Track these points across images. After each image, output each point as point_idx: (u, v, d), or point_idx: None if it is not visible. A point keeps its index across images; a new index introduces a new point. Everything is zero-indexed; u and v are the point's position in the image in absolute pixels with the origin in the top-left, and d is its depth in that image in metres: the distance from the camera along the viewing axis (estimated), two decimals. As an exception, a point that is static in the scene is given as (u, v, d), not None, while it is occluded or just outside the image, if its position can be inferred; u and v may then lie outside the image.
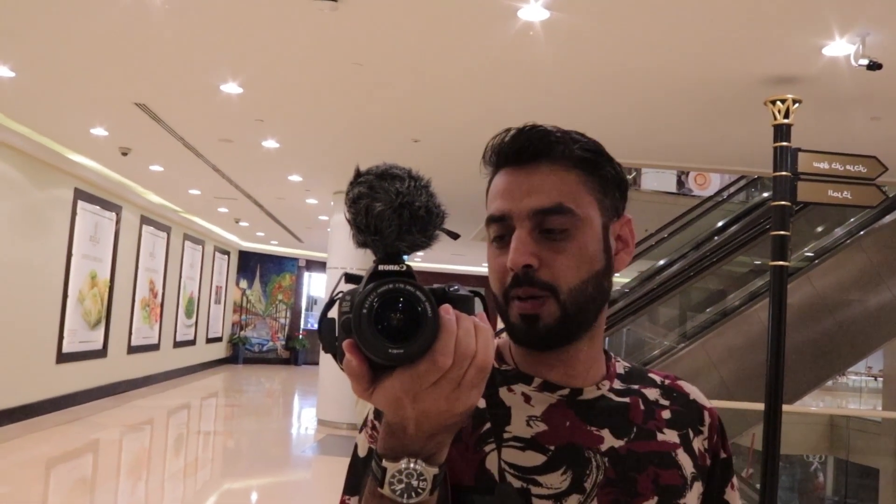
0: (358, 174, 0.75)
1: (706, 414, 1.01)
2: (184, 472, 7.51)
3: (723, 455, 1.01)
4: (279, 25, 4.47)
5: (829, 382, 13.65)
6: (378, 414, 0.90)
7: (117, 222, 11.12)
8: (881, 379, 12.13)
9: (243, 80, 5.62)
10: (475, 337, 0.69)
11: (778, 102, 4.42)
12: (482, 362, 0.70)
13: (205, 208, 13.27)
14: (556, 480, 0.88)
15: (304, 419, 11.55)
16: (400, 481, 0.72)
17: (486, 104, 5.76)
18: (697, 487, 0.95)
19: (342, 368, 0.72)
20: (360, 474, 0.91)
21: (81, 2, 4.36)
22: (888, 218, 7.66)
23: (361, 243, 0.75)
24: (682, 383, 1.04)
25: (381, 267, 0.71)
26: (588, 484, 0.88)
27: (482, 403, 0.92)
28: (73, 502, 6.06)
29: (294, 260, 20.43)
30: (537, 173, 0.91)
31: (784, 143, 4.37)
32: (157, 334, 13.43)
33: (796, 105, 4.40)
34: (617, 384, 0.98)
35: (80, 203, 9.78)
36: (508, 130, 0.94)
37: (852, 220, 7.80)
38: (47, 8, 4.52)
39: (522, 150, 0.92)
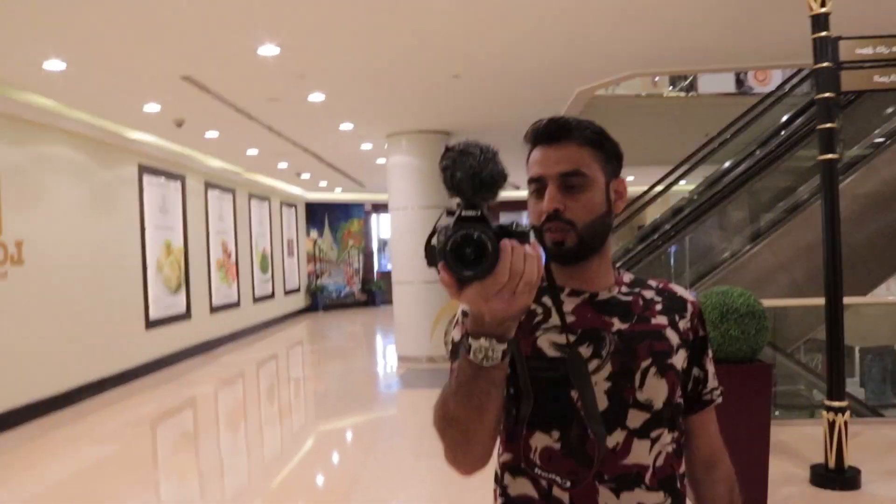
0: (446, 149, 1.06)
1: (689, 304, 1.44)
2: (279, 418, 7.91)
3: (700, 333, 1.44)
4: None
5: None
6: (465, 312, 1.31)
7: (183, 190, 11.50)
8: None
9: (280, 41, 5.73)
10: (524, 261, 1.01)
11: (814, -10, 4.29)
12: (528, 278, 1.02)
13: (265, 166, 13.55)
14: (583, 351, 1.31)
15: (387, 357, 11.93)
16: (480, 352, 1.09)
17: (523, 31, 5.72)
18: (682, 353, 1.38)
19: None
20: (456, 351, 1.35)
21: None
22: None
23: (452, 195, 1.06)
24: (672, 285, 1.47)
25: (463, 213, 1.03)
26: (604, 353, 1.31)
27: (533, 304, 1.34)
28: (178, 454, 6.49)
29: (360, 205, 20.68)
30: (562, 148, 1.34)
31: (823, 34, 4.25)
32: (235, 292, 13.94)
33: (833, -8, 4.26)
34: (623, 289, 1.42)
35: (146, 177, 10.15)
36: (541, 120, 1.37)
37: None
38: (90, 2, 4.71)
39: (552, 132, 1.36)
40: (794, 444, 5.52)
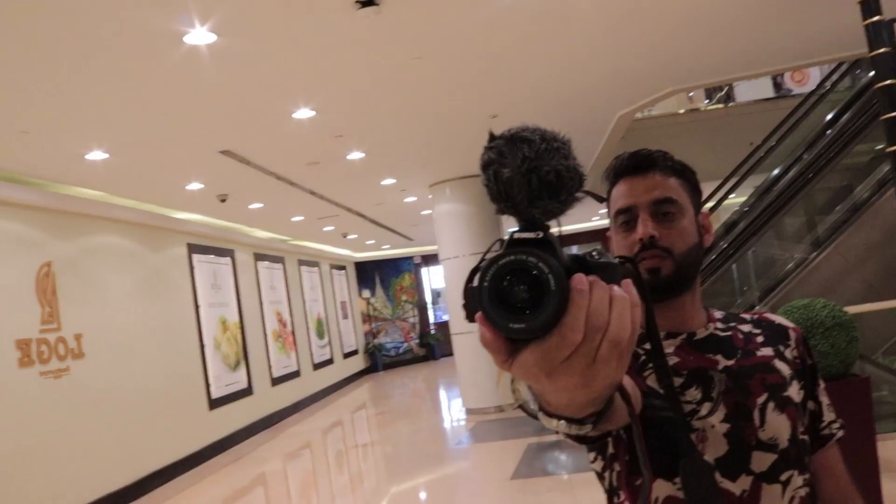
0: (491, 138, 0.70)
1: (791, 332, 1.36)
2: (350, 485, 7.72)
3: (808, 361, 1.34)
4: (333, 43, 4.50)
5: None
6: None
7: (233, 265, 11.53)
8: None
9: (315, 104, 5.70)
10: (609, 308, 0.64)
11: (859, -24, 4.09)
12: (616, 336, 0.64)
13: (311, 231, 13.60)
14: (692, 395, 1.20)
15: (453, 411, 11.69)
16: (559, 430, 0.76)
17: (557, 63, 5.61)
18: (796, 384, 1.28)
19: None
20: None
21: (153, 75, 4.52)
22: None
23: (499, 210, 0.69)
24: (767, 314, 1.39)
25: (516, 235, 0.66)
26: (714, 394, 1.20)
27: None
28: (255, 537, 6.33)
29: (409, 259, 20.66)
30: (650, 178, 1.28)
31: (876, 18, 4.04)
32: (294, 361, 13.87)
33: (880, -26, 4.06)
34: (719, 325, 1.33)
35: (195, 256, 10.20)
36: (623, 154, 1.31)
37: None
38: (125, 91, 4.76)
39: (639, 163, 1.30)
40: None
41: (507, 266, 0.62)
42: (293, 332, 14.05)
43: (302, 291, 15.12)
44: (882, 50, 4.00)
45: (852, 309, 4.56)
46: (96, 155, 6.12)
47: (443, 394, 14.20)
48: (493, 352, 0.66)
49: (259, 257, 12.85)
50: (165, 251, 9.40)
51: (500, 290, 0.62)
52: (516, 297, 0.62)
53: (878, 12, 4.01)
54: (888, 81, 4.03)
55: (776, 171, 8.63)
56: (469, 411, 10.13)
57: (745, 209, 8.91)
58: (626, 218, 1.29)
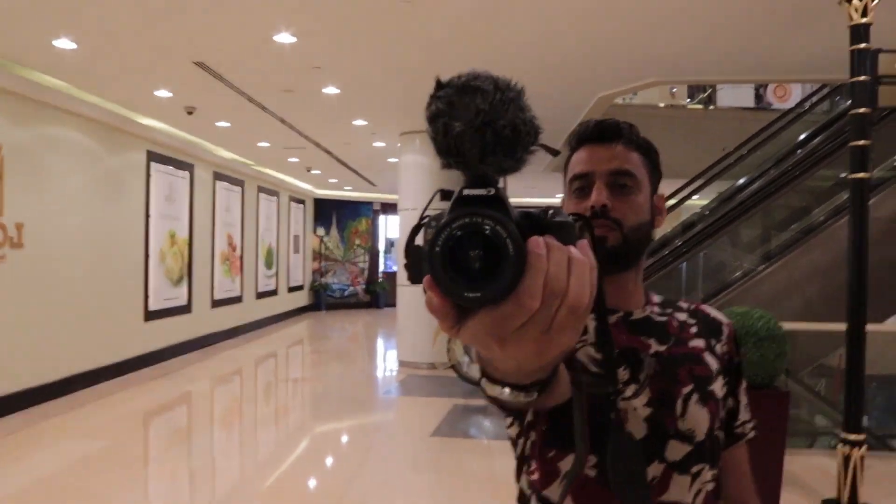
0: (438, 86, 0.64)
1: (724, 327, 1.35)
2: (275, 418, 7.74)
3: (736, 359, 1.34)
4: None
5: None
6: None
7: (191, 180, 11.34)
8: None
9: (296, 29, 5.57)
10: (568, 272, 0.59)
11: (854, 0, 4.11)
12: (575, 301, 0.59)
13: (275, 159, 13.42)
14: (620, 375, 1.16)
15: (387, 361, 11.76)
16: (500, 398, 0.71)
17: (545, 31, 5.56)
18: (721, 380, 1.28)
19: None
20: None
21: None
22: None
23: (445, 165, 0.64)
24: (704, 307, 1.38)
25: (465, 191, 0.61)
26: (642, 376, 1.18)
27: None
28: (170, 452, 6.32)
29: (369, 204, 20.56)
30: (613, 148, 1.25)
31: (862, 45, 4.07)
32: (238, 287, 13.78)
33: (875, 1, 4.07)
34: (656, 309, 1.32)
35: (154, 164, 10.00)
36: (588, 121, 1.29)
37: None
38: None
39: (604, 131, 1.27)
40: (804, 475, 5.33)
41: (461, 229, 0.57)
42: (241, 258, 13.93)
43: (257, 219, 14.96)
44: (862, 77, 4.04)
45: (787, 325, 4.67)
46: (64, 43, 5.92)
47: (380, 342, 14.25)
48: (440, 317, 0.61)
49: (218, 177, 12.65)
50: (123, 154, 9.19)
51: (453, 256, 0.57)
52: (470, 263, 0.57)
53: (866, 40, 4.04)
54: (862, 109, 4.07)
55: (742, 181, 8.74)
56: (402, 363, 10.20)
57: (706, 213, 9.02)
58: (581, 184, 1.26)
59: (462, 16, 5.23)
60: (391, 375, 10.11)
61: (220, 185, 12.72)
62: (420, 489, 5.28)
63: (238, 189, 13.74)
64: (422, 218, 0.63)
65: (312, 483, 5.52)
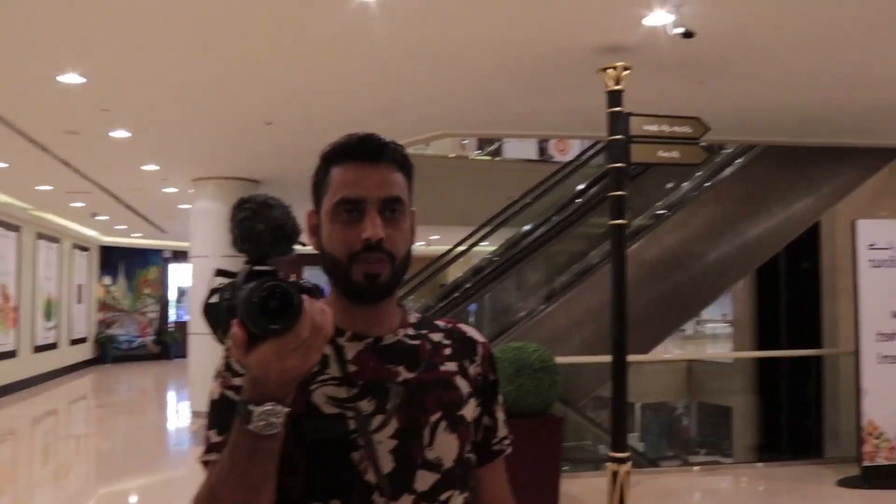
0: (242, 201, 1.08)
1: (479, 347, 1.35)
2: (55, 480, 7.27)
3: (491, 377, 1.34)
4: (120, 12, 4.35)
5: (690, 331, 14.46)
6: (228, 366, 1.18)
7: (-41, 225, 10.47)
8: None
9: (83, 70, 5.42)
10: (322, 315, 1.00)
11: (609, 70, 4.69)
12: (327, 333, 1.01)
13: (57, 204, 12.65)
14: (365, 406, 1.17)
15: (180, 412, 11.33)
16: (262, 419, 0.99)
17: (330, 83, 5.78)
18: (472, 402, 1.28)
19: (221, 341, 1.03)
20: (215, 414, 1.18)
21: None
22: (728, 171, 8.22)
23: (241, 249, 1.06)
24: (461, 325, 1.37)
25: (255, 268, 1.02)
26: (389, 406, 1.17)
27: None
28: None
29: (159, 252, 19.76)
30: (380, 170, 1.21)
31: (617, 109, 4.65)
32: (13, 340, 12.76)
33: (626, 72, 4.67)
34: (410, 331, 1.29)
35: (-85, 207, 9.17)
36: (353, 135, 1.24)
37: (698, 174, 8.25)
38: None
39: (371, 149, 1.22)
40: (582, 495, 5.79)
41: (269, 288, 0.97)
42: (16, 309, 12.93)
43: (34, 267, 13.97)
44: (618, 136, 4.61)
45: (563, 359, 5.13)
46: None
47: (172, 394, 13.69)
48: (238, 346, 0.98)
49: (-9, 222, 11.76)
50: None
51: (262, 304, 0.96)
52: (271, 308, 0.96)
53: (620, 104, 4.62)
54: (618, 164, 4.64)
55: (526, 227, 9.35)
56: (195, 413, 9.88)
57: (495, 258, 9.54)
58: (351, 208, 1.19)
59: (254, 63, 5.31)
60: (184, 426, 9.77)
61: (-8, 230, 11.82)
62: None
63: (13, 235, 12.81)
64: (226, 287, 1.03)
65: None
